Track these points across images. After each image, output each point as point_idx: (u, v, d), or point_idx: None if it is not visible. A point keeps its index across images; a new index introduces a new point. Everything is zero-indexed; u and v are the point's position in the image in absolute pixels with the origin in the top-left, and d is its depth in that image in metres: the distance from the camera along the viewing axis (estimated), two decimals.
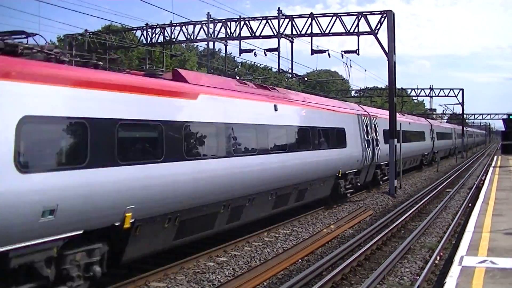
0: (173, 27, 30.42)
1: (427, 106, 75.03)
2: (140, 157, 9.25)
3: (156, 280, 10.15)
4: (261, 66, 50.41)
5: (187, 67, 38.71)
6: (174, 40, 31.28)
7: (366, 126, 22.96)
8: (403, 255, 12.08)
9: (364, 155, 21.93)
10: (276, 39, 27.35)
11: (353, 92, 62.93)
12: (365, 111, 24.25)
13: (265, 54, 28.27)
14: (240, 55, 29.82)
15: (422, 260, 11.82)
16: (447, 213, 18.56)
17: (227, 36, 28.61)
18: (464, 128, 69.08)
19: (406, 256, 12.12)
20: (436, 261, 11.45)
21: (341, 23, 25.59)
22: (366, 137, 22.47)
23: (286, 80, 38.60)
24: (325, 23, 26.16)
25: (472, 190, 24.09)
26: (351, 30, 25.41)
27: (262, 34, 27.80)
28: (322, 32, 26.31)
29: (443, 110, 72.89)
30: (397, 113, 30.73)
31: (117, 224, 8.61)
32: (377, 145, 24.04)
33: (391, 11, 24.26)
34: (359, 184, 21.88)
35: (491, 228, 12.22)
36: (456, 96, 58.31)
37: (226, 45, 32.13)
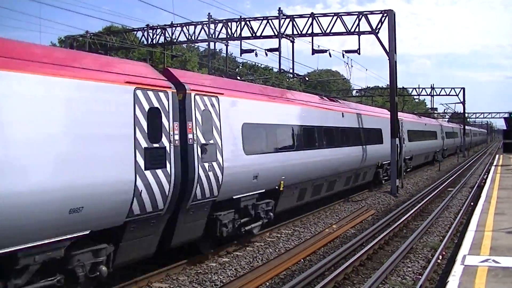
0: (173, 28, 30.44)
1: (429, 105, 74.94)
2: None
3: (158, 280, 10.17)
4: (262, 66, 50.36)
5: (187, 67, 38.71)
6: (175, 40, 31.29)
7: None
8: (405, 255, 12.08)
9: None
10: (277, 39, 27.39)
11: (354, 92, 62.99)
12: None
13: (266, 54, 28.31)
14: (241, 55, 29.84)
15: (424, 260, 11.82)
16: (449, 212, 18.54)
17: (228, 36, 28.62)
18: (461, 127, 66.37)
19: (408, 256, 12.12)
20: (439, 261, 11.45)
21: (342, 23, 25.61)
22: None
23: (287, 80, 38.57)
24: (326, 23, 26.21)
25: (474, 189, 24.06)
26: (352, 30, 25.41)
27: (263, 34, 27.82)
28: (323, 31, 26.31)
29: (445, 109, 72.89)
30: (312, 96, 19.55)
31: None
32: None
33: (392, 10, 24.25)
34: None
35: (493, 227, 12.20)
36: (457, 95, 58.31)
37: (227, 46, 32.14)
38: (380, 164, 24.80)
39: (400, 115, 29.99)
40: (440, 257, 11.73)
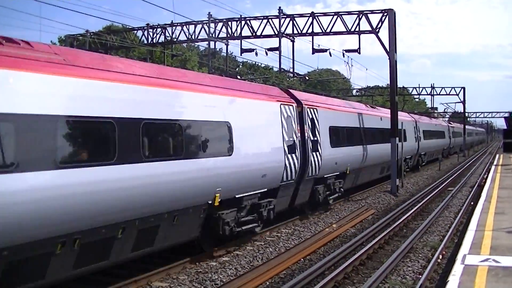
0: (174, 27, 30.49)
1: (429, 105, 74.97)
2: None
3: (158, 280, 10.16)
4: (262, 65, 50.40)
5: (187, 66, 38.73)
6: (175, 40, 31.32)
7: None
8: (405, 254, 12.07)
9: None
10: (277, 38, 27.42)
11: (354, 91, 63.01)
12: None
13: (266, 54, 28.43)
14: (241, 55, 29.90)
15: (424, 259, 11.81)
16: (449, 211, 18.53)
17: (228, 35, 28.66)
18: (451, 125, 57.28)
19: (408, 255, 12.11)
20: (439, 260, 11.44)
21: (342, 22, 25.63)
22: None
23: (288, 79, 38.64)
24: (326, 22, 26.23)
25: (474, 189, 24.04)
26: (352, 29, 25.41)
27: (263, 34, 27.88)
28: (323, 31, 26.33)
29: (445, 109, 72.84)
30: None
31: None
32: None
33: (392, 10, 24.23)
34: None
35: (494, 226, 12.19)
36: (457, 95, 58.32)
37: (227, 45, 32.26)
38: (211, 205, 11.02)
39: (313, 99, 18.09)
40: (440, 256, 11.72)
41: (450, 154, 52.12)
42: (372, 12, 25.08)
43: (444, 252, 12.10)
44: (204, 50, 43.23)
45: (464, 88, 58.34)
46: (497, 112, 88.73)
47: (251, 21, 28.12)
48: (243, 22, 27.92)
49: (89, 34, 32.99)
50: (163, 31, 30.81)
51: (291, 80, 39.09)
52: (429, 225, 15.51)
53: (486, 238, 10.86)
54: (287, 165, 14.12)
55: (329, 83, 65.51)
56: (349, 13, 25.91)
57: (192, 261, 11.29)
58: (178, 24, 30.20)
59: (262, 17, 28.04)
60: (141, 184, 8.81)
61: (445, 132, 50.11)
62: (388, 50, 23.97)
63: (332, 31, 26.11)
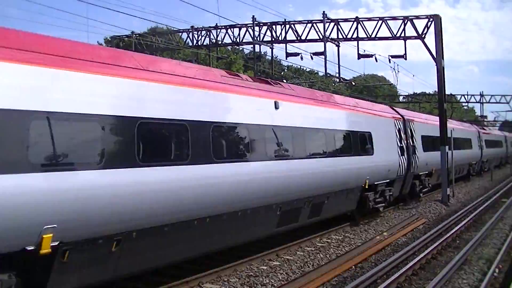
0: (218, 30, 30.65)
1: (478, 113, 72.49)
2: None
3: (209, 281, 10.18)
4: (308, 70, 50.10)
5: (233, 69, 38.94)
6: (220, 42, 31.49)
7: None
8: (459, 266, 11.66)
9: None
10: (322, 43, 27.15)
11: (401, 98, 61.69)
12: None
13: (312, 58, 28.11)
14: (286, 59, 29.74)
15: (480, 272, 11.35)
16: (503, 223, 17.81)
17: (273, 39, 28.61)
18: (483, 131, 42.60)
19: (463, 267, 11.69)
20: (495, 274, 10.99)
21: (387, 27, 25.14)
22: None
23: (333, 84, 38.25)
24: (370, 28, 25.77)
25: None
26: (397, 35, 24.90)
27: (308, 38, 27.65)
28: (368, 36, 25.88)
29: (495, 117, 70.10)
30: None
31: None
32: None
33: (438, 15, 23.64)
34: None
35: None
36: (508, 103, 56.24)
37: (272, 48, 32.10)
38: None
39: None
40: (497, 270, 11.27)
41: (483, 170, 36.16)
42: (418, 17, 24.51)
43: (500, 266, 11.62)
44: (249, 53, 43.36)
45: None
46: None
47: (295, 25, 28.00)
48: (287, 26, 27.84)
49: (134, 35, 33.60)
50: (208, 33, 31.05)
51: (337, 85, 38.70)
52: (483, 237, 14.96)
53: None
54: None
55: (375, 89, 64.14)
56: (394, 18, 25.42)
57: (243, 264, 11.27)
58: (223, 27, 30.36)
59: (307, 21, 27.86)
60: None
61: (472, 139, 35.17)
62: (435, 56, 23.36)
63: (377, 36, 25.66)
